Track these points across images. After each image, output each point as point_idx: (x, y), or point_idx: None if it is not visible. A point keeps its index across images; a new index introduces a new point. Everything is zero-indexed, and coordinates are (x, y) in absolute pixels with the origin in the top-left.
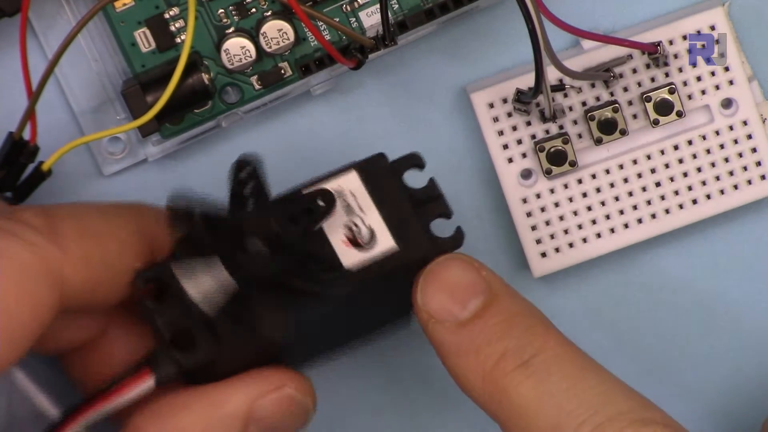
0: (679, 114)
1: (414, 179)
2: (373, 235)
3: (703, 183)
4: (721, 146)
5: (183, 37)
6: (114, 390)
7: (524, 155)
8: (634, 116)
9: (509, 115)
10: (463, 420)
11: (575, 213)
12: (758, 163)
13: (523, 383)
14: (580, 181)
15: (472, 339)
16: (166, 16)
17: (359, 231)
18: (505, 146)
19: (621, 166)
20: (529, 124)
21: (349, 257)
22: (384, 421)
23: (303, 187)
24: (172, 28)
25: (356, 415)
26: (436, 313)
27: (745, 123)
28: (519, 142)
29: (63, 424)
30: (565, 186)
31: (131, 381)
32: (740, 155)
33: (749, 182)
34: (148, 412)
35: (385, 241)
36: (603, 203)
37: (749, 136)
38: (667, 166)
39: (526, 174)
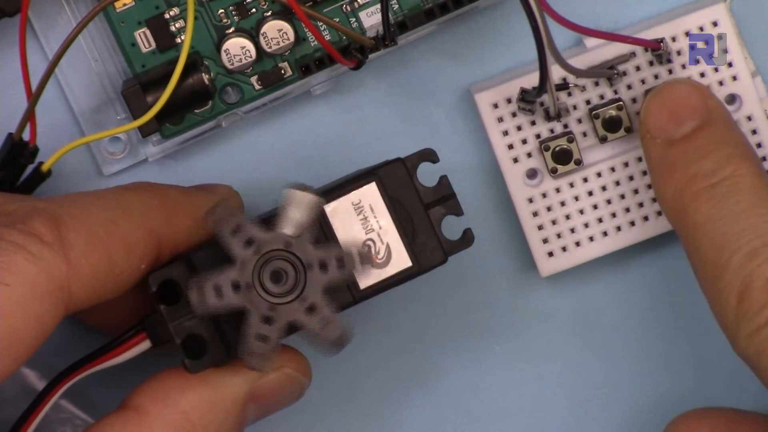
0: None
1: (424, 174)
2: (389, 253)
3: None
4: None
5: (183, 37)
6: (114, 349)
7: (529, 155)
8: (639, 113)
9: (513, 115)
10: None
11: (581, 212)
12: (764, 159)
13: (704, 203)
14: (585, 180)
15: (675, 158)
16: (166, 16)
17: (376, 250)
18: (510, 146)
19: (626, 164)
20: (533, 123)
21: (365, 275)
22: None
23: (323, 192)
24: (173, 29)
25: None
26: (653, 129)
27: (749, 119)
28: (524, 141)
29: (69, 375)
30: (571, 185)
31: (129, 342)
32: None
33: None
34: (152, 394)
35: (401, 260)
36: (609, 201)
37: (754, 132)
38: None
39: (532, 174)
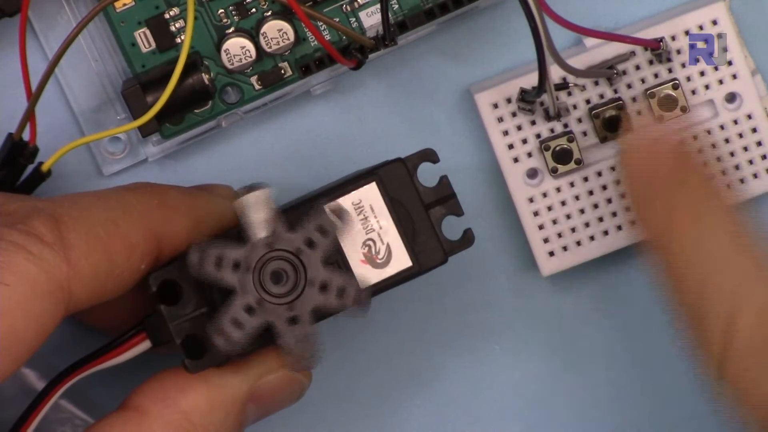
0: (684, 109)
1: (424, 174)
2: (389, 252)
3: None
4: (726, 140)
5: (183, 37)
6: (114, 349)
7: (530, 155)
8: (639, 113)
9: (513, 114)
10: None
11: (582, 211)
12: (763, 157)
13: (687, 233)
14: (586, 179)
15: (657, 190)
16: (166, 16)
17: (377, 250)
18: (510, 146)
19: None
20: (533, 123)
21: (366, 276)
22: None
23: (323, 192)
24: (172, 28)
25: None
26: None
27: (749, 117)
28: (524, 141)
29: (69, 375)
30: (571, 184)
31: (129, 342)
32: (745, 149)
33: (755, 176)
34: (152, 394)
35: (402, 259)
36: (609, 200)
37: (754, 130)
38: None
39: (532, 173)
